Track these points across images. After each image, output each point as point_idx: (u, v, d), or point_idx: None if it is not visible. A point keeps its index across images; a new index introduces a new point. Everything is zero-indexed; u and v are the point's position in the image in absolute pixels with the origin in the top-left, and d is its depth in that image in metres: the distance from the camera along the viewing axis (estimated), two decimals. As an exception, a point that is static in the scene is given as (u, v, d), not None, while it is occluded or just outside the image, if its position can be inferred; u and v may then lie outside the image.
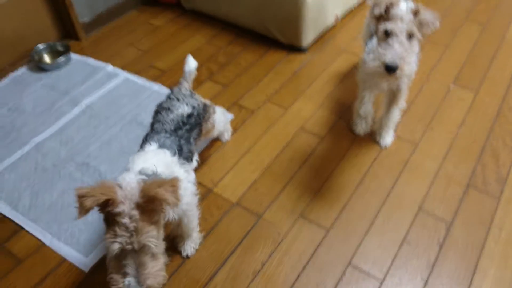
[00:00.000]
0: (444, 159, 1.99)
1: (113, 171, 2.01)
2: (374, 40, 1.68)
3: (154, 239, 1.16)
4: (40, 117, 2.29)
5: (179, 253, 1.67)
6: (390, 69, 1.47)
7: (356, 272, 1.62)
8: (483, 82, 2.39)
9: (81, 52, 2.74)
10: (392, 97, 1.93)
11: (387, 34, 1.51)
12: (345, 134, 2.14)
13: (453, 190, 1.86)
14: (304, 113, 2.26)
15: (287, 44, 2.67)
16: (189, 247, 1.66)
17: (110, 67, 2.60)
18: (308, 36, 2.61)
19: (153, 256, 1.18)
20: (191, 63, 1.79)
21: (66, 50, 2.66)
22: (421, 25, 1.52)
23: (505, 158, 1.98)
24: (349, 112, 2.22)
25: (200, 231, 1.71)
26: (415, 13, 1.51)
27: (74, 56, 2.69)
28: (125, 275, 1.14)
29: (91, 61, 2.66)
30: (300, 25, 2.53)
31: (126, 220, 1.11)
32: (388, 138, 2.05)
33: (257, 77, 2.50)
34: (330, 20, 2.75)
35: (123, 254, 1.14)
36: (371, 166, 1.98)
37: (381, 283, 1.58)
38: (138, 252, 1.15)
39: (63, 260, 1.70)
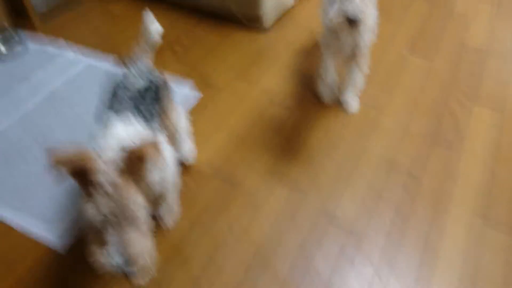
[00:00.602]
0: (407, 120, 2.09)
1: (82, 153, 1.96)
2: (336, 5, 1.73)
3: (140, 208, 1.08)
4: (-1, 106, 2.20)
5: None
6: (352, 22, 1.57)
7: (332, 221, 1.66)
8: (437, 51, 2.53)
9: (38, 41, 2.65)
10: (354, 60, 2.00)
11: None
12: (313, 103, 2.20)
13: (419, 146, 1.96)
14: (272, 87, 2.30)
15: (250, 25, 2.70)
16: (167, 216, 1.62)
17: (70, 54, 2.53)
18: (270, 17, 2.66)
19: (139, 229, 1.09)
20: (154, 30, 1.64)
21: (22, 39, 2.56)
22: None
23: (463, 117, 2.10)
24: (315, 84, 2.28)
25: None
26: None
27: (31, 45, 2.60)
28: (104, 244, 1.04)
29: (49, 49, 2.58)
30: (261, 6, 2.58)
31: (109, 189, 1.03)
32: (354, 103, 2.13)
33: (223, 56, 2.52)
34: (289, 0, 2.82)
35: (104, 227, 1.04)
36: (339, 130, 2.04)
37: (355, 231, 1.64)
38: (122, 224, 1.05)
39: (35, 243, 1.64)
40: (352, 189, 1.79)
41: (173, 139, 1.76)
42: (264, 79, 2.36)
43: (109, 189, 1.03)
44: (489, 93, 2.23)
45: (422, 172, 1.85)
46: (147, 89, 1.46)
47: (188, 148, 1.86)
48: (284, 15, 2.85)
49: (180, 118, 1.76)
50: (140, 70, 1.52)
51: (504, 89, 2.25)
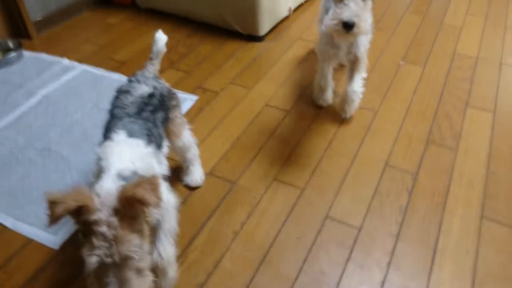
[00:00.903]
0: (402, 122, 2.11)
1: (76, 154, 1.93)
2: (331, 12, 1.72)
3: (137, 249, 1.00)
4: (-7, 110, 2.18)
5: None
6: (348, 26, 1.55)
7: (334, 222, 1.65)
8: (429, 58, 2.58)
9: (33, 49, 2.65)
10: (353, 66, 1.99)
11: None
12: (309, 107, 2.21)
13: (415, 146, 1.97)
14: (267, 92, 2.32)
15: (245, 34, 2.74)
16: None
17: (66, 61, 2.53)
18: (264, 26, 2.70)
19: (139, 272, 1.02)
20: (161, 40, 1.59)
21: (17, 47, 2.57)
22: None
23: (457, 118, 2.13)
24: (311, 89, 2.30)
25: (173, 194, 1.47)
26: None
27: (26, 52, 2.60)
28: None
29: (45, 56, 2.58)
30: (256, 16, 2.62)
31: (103, 229, 0.97)
32: (352, 109, 2.07)
33: (218, 63, 2.54)
34: (284, 11, 2.88)
35: (103, 270, 0.99)
36: (336, 132, 2.05)
37: (359, 230, 1.62)
38: (120, 266, 0.99)
39: (29, 241, 1.59)
40: (352, 190, 1.78)
41: (184, 159, 1.73)
42: (259, 83, 2.38)
43: (105, 229, 0.97)
44: (481, 95, 2.27)
45: (421, 170, 1.85)
46: (151, 96, 1.40)
47: (199, 174, 1.78)
48: (279, 25, 2.90)
49: (187, 132, 1.68)
50: (145, 77, 1.47)
51: (494, 92, 2.30)
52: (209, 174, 1.84)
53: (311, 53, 2.63)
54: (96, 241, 0.97)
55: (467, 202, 1.72)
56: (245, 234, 1.60)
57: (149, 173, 1.20)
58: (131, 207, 1.01)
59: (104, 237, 0.97)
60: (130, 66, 2.51)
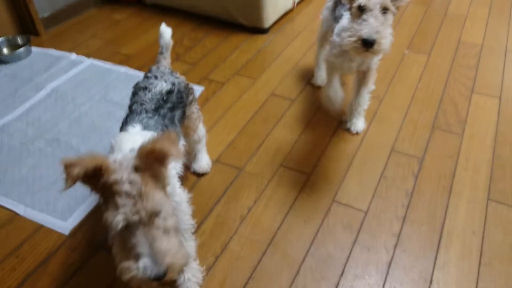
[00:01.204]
0: (408, 108, 2.11)
1: (85, 144, 1.96)
2: (344, 22, 1.68)
3: (163, 204, 0.97)
4: (3, 103, 2.22)
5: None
6: (368, 44, 1.43)
7: (341, 206, 1.66)
8: (434, 47, 2.58)
9: (41, 45, 2.70)
10: (362, 78, 1.89)
11: (361, 9, 1.46)
12: (314, 95, 2.22)
13: (420, 132, 1.97)
14: (273, 81, 2.33)
15: (249, 27, 2.76)
16: (191, 283, 1.38)
17: (73, 56, 2.57)
18: (269, 19, 2.72)
19: (166, 231, 0.97)
20: (166, 33, 1.58)
21: (26, 43, 2.61)
22: None
23: (463, 104, 2.13)
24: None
25: (183, 189, 1.44)
26: None
27: (34, 48, 2.64)
28: (137, 257, 0.92)
29: (53, 51, 2.62)
30: (261, 8, 2.64)
31: (126, 187, 0.93)
32: (359, 124, 1.99)
33: (224, 55, 2.57)
34: (288, 4, 2.89)
35: (129, 231, 0.94)
36: (341, 119, 2.06)
37: (366, 213, 1.63)
38: (148, 224, 0.94)
39: (40, 227, 1.62)
40: (358, 175, 1.79)
41: (192, 148, 1.74)
42: (264, 74, 2.39)
43: (127, 187, 0.93)
44: (486, 82, 2.27)
45: (426, 155, 1.86)
46: (169, 92, 1.38)
47: (206, 161, 1.81)
48: (283, 17, 2.92)
49: (201, 125, 1.70)
50: (162, 72, 1.45)
51: (500, 78, 2.29)
52: (216, 161, 1.86)
53: (314, 44, 2.64)
54: (120, 200, 0.92)
55: (473, 185, 1.72)
56: (252, 218, 1.62)
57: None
58: (151, 163, 0.98)
59: (128, 194, 0.93)
60: (137, 60, 2.54)
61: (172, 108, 1.37)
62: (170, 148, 0.95)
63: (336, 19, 1.84)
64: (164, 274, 0.92)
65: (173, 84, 1.41)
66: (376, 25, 1.43)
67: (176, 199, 1.22)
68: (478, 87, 2.24)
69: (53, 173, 1.82)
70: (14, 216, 1.66)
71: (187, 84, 1.51)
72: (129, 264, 0.93)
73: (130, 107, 1.38)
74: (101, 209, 0.98)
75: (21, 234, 1.60)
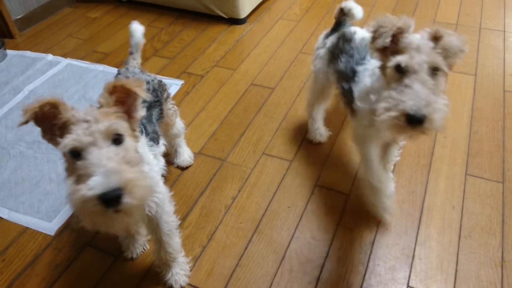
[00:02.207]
0: (386, 90, 2.14)
1: (67, 144, 1.95)
2: (367, 81, 1.30)
3: (122, 128, 0.91)
4: (-20, 108, 2.19)
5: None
6: (415, 121, 1.05)
7: (324, 190, 1.68)
8: (409, 29, 2.61)
9: (16, 48, 2.66)
10: (392, 147, 1.52)
11: (401, 71, 1.10)
12: (294, 83, 2.24)
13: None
14: (252, 71, 2.34)
15: (227, 18, 2.76)
16: (180, 276, 1.38)
17: (50, 56, 2.54)
18: (245, 8, 2.72)
19: (126, 162, 0.89)
20: (137, 31, 1.53)
21: (0, 46, 2.57)
22: (446, 53, 1.09)
23: (439, 83, 2.16)
24: (294, 65, 2.33)
25: (167, 187, 1.46)
26: (436, 38, 1.10)
27: (9, 51, 2.61)
28: (88, 176, 0.83)
29: (28, 53, 2.59)
30: (236, -1, 2.64)
31: (82, 114, 0.89)
32: (391, 184, 1.59)
33: (202, 48, 2.56)
34: (263, -7, 2.90)
35: (83, 158, 0.86)
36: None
37: (348, 196, 1.65)
38: (104, 148, 0.87)
39: (25, 229, 1.61)
40: (340, 160, 1.82)
41: (172, 144, 1.73)
42: (243, 64, 2.40)
43: (83, 115, 0.89)
44: (461, 60, 2.30)
45: (404, 134, 1.89)
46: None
47: (188, 154, 1.81)
48: (260, 6, 2.92)
49: (178, 119, 1.68)
50: (133, 73, 1.41)
51: (474, 56, 2.33)
52: (199, 153, 1.87)
53: (292, 32, 2.66)
54: (74, 127, 0.87)
55: (452, 161, 1.76)
56: (237, 207, 1.64)
57: (145, 157, 1.14)
58: (115, 104, 0.95)
59: (83, 119, 0.88)
60: (115, 57, 2.52)
61: (149, 107, 1.35)
62: (134, 84, 0.93)
63: (341, 74, 1.45)
64: (117, 193, 0.82)
65: (148, 82, 1.39)
66: (424, 94, 1.05)
67: (159, 196, 1.19)
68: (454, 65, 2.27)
69: (35, 176, 1.81)
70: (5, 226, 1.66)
71: (160, 81, 1.50)
72: (78, 186, 0.84)
73: None
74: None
75: (6, 237, 1.59)
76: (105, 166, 0.84)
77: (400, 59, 1.08)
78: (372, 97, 1.19)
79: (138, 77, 1.00)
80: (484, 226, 1.51)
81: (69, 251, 1.52)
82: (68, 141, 0.86)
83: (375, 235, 1.51)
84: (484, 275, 1.37)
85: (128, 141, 0.95)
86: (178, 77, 2.32)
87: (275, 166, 1.79)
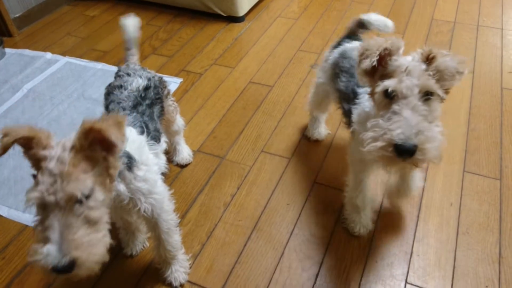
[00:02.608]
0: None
1: (66, 142, 1.96)
2: (366, 105, 1.22)
3: (87, 191, 0.87)
4: (-21, 107, 2.19)
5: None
6: (404, 152, 0.95)
7: (322, 187, 1.69)
8: (407, 27, 2.61)
9: (15, 46, 2.66)
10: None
11: (390, 97, 1.01)
12: (292, 81, 2.24)
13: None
14: (250, 69, 2.35)
15: (225, 16, 2.76)
16: (179, 273, 1.39)
17: (49, 55, 2.54)
18: (243, 6, 2.72)
19: (89, 222, 0.88)
20: (129, 26, 1.49)
21: (-1, 45, 2.57)
22: (440, 75, 1.00)
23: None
24: (293, 63, 2.34)
25: (167, 184, 1.48)
26: (428, 59, 1.01)
27: (8, 50, 2.60)
28: (45, 241, 0.84)
29: (27, 52, 2.59)
30: (235, -3, 2.64)
31: (51, 164, 0.85)
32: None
33: (200, 46, 2.57)
34: (262, -9, 2.90)
35: (46, 213, 0.86)
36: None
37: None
38: (66, 209, 0.85)
39: (24, 227, 1.62)
40: (338, 156, 1.82)
41: (172, 141, 1.74)
42: (242, 62, 2.41)
43: (52, 165, 0.85)
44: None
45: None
46: (146, 88, 1.34)
47: (187, 152, 1.81)
48: (258, 4, 2.92)
49: (178, 115, 1.69)
50: (133, 69, 1.41)
51: (473, 53, 2.34)
52: (197, 151, 1.88)
53: (290, 30, 2.66)
54: (41, 177, 0.84)
55: (450, 158, 1.77)
56: (236, 205, 1.64)
57: (142, 159, 1.15)
58: (91, 145, 0.89)
59: (50, 173, 0.84)
60: (114, 55, 2.52)
61: (151, 104, 1.35)
62: (111, 130, 0.86)
63: (342, 94, 1.38)
64: (68, 267, 0.83)
65: (149, 79, 1.39)
66: (415, 121, 0.95)
67: (156, 197, 1.17)
68: (452, 63, 2.28)
69: (35, 173, 1.81)
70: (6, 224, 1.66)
71: (161, 78, 1.50)
72: (37, 246, 0.85)
73: (106, 107, 1.33)
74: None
75: (6, 235, 1.60)
76: (61, 237, 0.84)
77: (388, 83, 0.99)
78: (369, 124, 1.07)
79: (118, 116, 0.92)
80: (482, 222, 1.52)
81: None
82: (33, 196, 0.85)
83: (374, 232, 1.52)
84: (482, 272, 1.38)
85: (95, 196, 0.90)
86: (176, 75, 2.32)
87: (274, 163, 1.80)
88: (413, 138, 0.94)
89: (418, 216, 1.56)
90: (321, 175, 1.74)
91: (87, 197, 0.88)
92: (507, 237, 1.47)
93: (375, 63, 1.02)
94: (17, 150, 1.96)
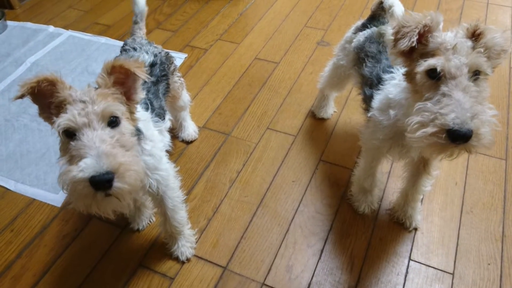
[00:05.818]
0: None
1: (71, 117, 1.95)
2: (391, 91, 1.14)
3: (118, 112, 0.91)
4: (-17, 80, 2.18)
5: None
6: (460, 138, 0.88)
7: (328, 165, 1.69)
8: (416, 4, 2.57)
9: (16, 19, 2.62)
10: (421, 162, 1.35)
11: (435, 77, 0.93)
12: (299, 58, 2.22)
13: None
14: (256, 45, 2.32)
15: (230, -10, 2.71)
16: (186, 248, 1.40)
17: (51, 28, 2.50)
18: (249, -19, 2.67)
19: (121, 146, 0.90)
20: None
21: (1, 17, 2.53)
22: (488, 53, 0.93)
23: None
24: (299, 40, 2.31)
25: (172, 160, 1.63)
26: (475, 35, 0.94)
27: (10, 22, 2.57)
28: (81, 158, 0.84)
29: (29, 25, 2.55)
30: (240, -30, 2.59)
31: (79, 95, 0.89)
32: (418, 216, 1.47)
33: (205, 21, 2.53)
34: (268, -35, 2.83)
35: (77, 139, 0.87)
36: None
37: (352, 171, 1.67)
38: (98, 130, 0.88)
39: (32, 201, 1.63)
40: (344, 135, 1.82)
41: (177, 117, 1.72)
42: (247, 38, 2.37)
43: (80, 95, 0.89)
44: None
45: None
46: (152, 65, 1.33)
47: (192, 128, 1.81)
48: (264, -21, 2.86)
49: (185, 91, 1.68)
50: (140, 44, 1.38)
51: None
52: (203, 127, 1.87)
53: (297, 5, 2.61)
54: (70, 106, 0.87)
55: (456, 138, 1.76)
56: (242, 181, 1.65)
57: (148, 134, 1.15)
58: (114, 85, 0.95)
59: (80, 100, 0.88)
60: (117, 29, 2.49)
61: (156, 82, 1.34)
62: (134, 65, 0.92)
63: (365, 79, 1.31)
64: (107, 177, 0.83)
65: (155, 55, 1.37)
66: (468, 104, 0.88)
67: (161, 173, 1.17)
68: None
69: (41, 148, 1.82)
70: (5, 191, 1.67)
71: (167, 53, 1.48)
72: (70, 167, 0.85)
73: None
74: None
75: (13, 208, 1.61)
76: (98, 149, 0.84)
77: (434, 62, 0.91)
78: (392, 112, 1.02)
79: (138, 58, 1.02)
80: (486, 202, 1.53)
81: (76, 222, 1.54)
82: (62, 120, 0.86)
83: (378, 209, 1.53)
84: (485, 249, 1.40)
85: (124, 124, 0.94)
86: (181, 51, 2.30)
87: (280, 140, 1.80)
88: (469, 122, 0.86)
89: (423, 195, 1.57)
90: (327, 153, 1.74)
91: (117, 123, 0.91)
92: (511, 216, 1.48)
93: (415, 43, 0.94)
94: (22, 123, 1.96)
